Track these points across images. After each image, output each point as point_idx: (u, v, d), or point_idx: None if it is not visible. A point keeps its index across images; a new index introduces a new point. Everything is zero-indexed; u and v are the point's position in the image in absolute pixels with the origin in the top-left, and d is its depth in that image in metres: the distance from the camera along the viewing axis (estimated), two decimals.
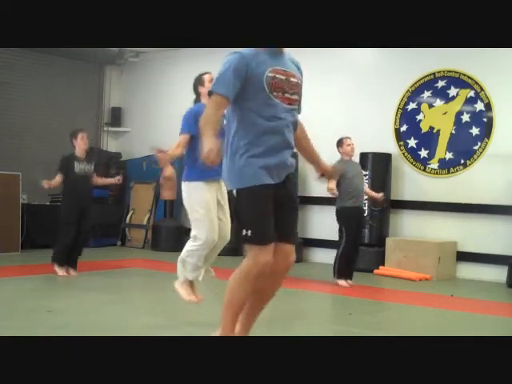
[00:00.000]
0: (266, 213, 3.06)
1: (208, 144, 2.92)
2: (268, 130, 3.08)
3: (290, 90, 3.14)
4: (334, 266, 7.57)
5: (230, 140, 3.16)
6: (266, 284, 3.31)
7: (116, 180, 8.40)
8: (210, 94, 3.13)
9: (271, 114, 3.08)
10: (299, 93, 3.24)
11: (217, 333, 3.40)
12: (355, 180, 7.47)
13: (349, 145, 7.57)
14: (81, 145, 7.78)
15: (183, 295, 5.03)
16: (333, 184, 7.00)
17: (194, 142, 4.81)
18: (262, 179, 3.06)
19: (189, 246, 5.01)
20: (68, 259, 7.73)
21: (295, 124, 3.25)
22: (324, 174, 3.63)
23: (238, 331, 3.34)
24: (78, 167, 7.73)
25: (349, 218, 7.39)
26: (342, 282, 7.45)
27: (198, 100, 5.32)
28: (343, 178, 7.26)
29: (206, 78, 5.11)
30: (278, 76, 3.10)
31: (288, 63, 3.23)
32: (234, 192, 3.10)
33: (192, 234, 5.02)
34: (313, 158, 3.66)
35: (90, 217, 7.97)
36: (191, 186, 4.98)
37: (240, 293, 3.20)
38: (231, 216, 3.21)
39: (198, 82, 5.29)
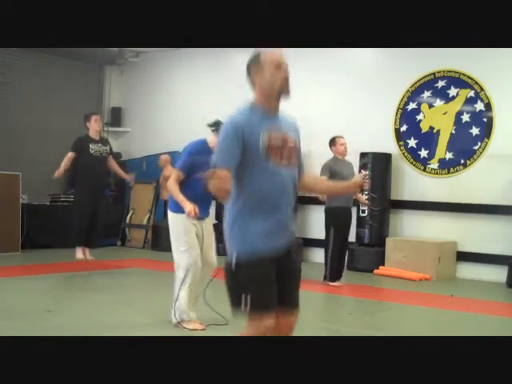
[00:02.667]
0: (268, 281, 2.98)
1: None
2: (267, 195, 2.99)
3: (286, 153, 3.05)
4: (325, 268, 7.56)
5: (229, 206, 3.07)
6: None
7: (129, 178, 8.47)
8: (212, 172, 2.96)
9: (270, 180, 2.99)
10: (297, 154, 3.14)
11: None
12: (347, 180, 7.43)
13: (342, 144, 7.55)
14: (95, 127, 7.88)
15: (189, 328, 5.02)
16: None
17: (186, 179, 4.93)
18: (263, 251, 2.99)
19: (177, 281, 5.08)
20: (85, 241, 7.83)
21: (295, 187, 3.16)
22: (358, 186, 3.57)
23: None
24: (93, 148, 7.79)
25: (337, 217, 7.39)
26: (334, 283, 7.46)
27: None
28: (335, 177, 7.27)
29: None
30: (273, 141, 3.01)
31: (283, 124, 3.12)
32: (234, 260, 3.00)
33: (176, 263, 5.11)
34: (334, 187, 3.80)
35: (104, 198, 8.05)
36: (178, 217, 5.08)
37: None
38: (226, 286, 3.11)
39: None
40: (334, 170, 7.31)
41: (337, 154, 7.55)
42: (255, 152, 2.97)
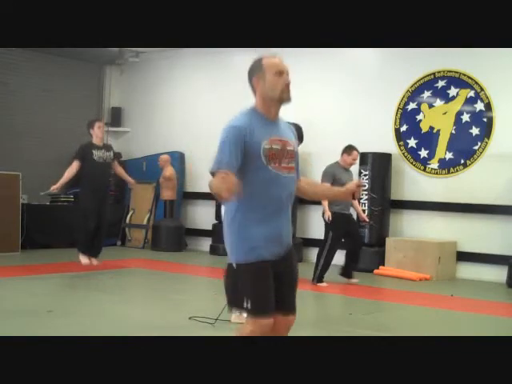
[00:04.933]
0: (266, 286, 3.02)
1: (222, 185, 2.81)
2: (266, 200, 3.02)
3: (286, 159, 3.08)
4: (314, 269, 7.58)
5: (228, 212, 3.09)
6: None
7: (131, 182, 8.55)
8: (213, 174, 2.95)
9: (269, 185, 3.02)
10: (295, 160, 3.17)
11: None
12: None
13: (354, 159, 7.60)
14: (98, 133, 7.95)
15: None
16: (328, 213, 7.29)
17: None
18: (262, 255, 3.02)
19: None
20: (90, 247, 7.86)
21: (293, 193, 3.19)
22: (352, 192, 3.57)
23: None
24: (97, 155, 7.83)
25: (336, 223, 7.39)
26: (322, 284, 7.49)
27: None
28: (336, 182, 7.29)
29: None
30: (274, 146, 3.04)
31: (282, 130, 3.15)
32: (234, 265, 3.04)
33: None
34: (329, 191, 3.90)
35: (108, 204, 8.09)
36: None
37: None
38: (226, 285, 3.16)
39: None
40: (336, 177, 7.35)
41: (343, 163, 7.55)
42: (256, 156, 2.99)
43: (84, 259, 7.88)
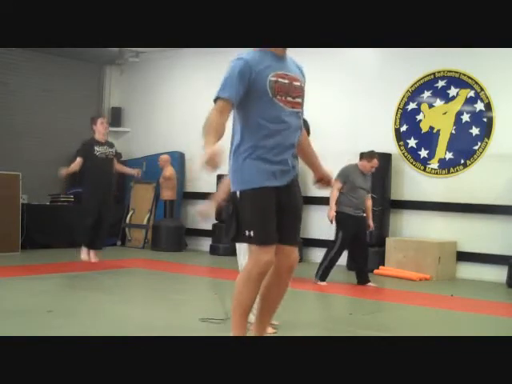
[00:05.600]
0: (269, 214, 3.08)
1: (209, 149, 2.92)
2: (271, 132, 3.10)
3: (292, 94, 3.14)
4: (319, 266, 7.59)
5: (234, 143, 3.18)
6: (272, 288, 3.33)
7: (135, 172, 8.56)
8: (215, 100, 3.13)
9: (274, 117, 3.09)
10: (302, 96, 3.23)
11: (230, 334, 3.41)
12: (361, 192, 7.49)
13: (373, 166, 7.60)
14: (100, 129, 8.02)
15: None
16: (332, 212, 7.31)
17: None
18: (265, 181, 3.08)
19: None
20: (91, 243, 7.89)
21: (299, 127, 3.24)
22: (322, 179, 3.61)
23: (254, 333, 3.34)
24: (99, 151, 7.86)
25: (346, 223, 7.40)
26: (322, 283, 7.49)
27: None
28: (349, 185, 7.28)
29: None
30: (280, 80, 3.11)
31: (291, 67, 3.23)
32: (238, 193, 3.11)
33: None
34: (313, 164, 3.67)
35: (111, 199, 8.14)
36: None
37: (245, 293, 3.23)
38: (230, 216, 3.20)
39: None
40: (350, 178, 7.37)
41: (362, 168, 7.56)
42: (262, 90, 3.08)
43: (84, 254, 7.90)
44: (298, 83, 3.20)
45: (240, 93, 3.06)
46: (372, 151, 7.71)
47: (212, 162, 2.89)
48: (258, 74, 3.08)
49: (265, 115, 3.09)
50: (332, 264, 7.55)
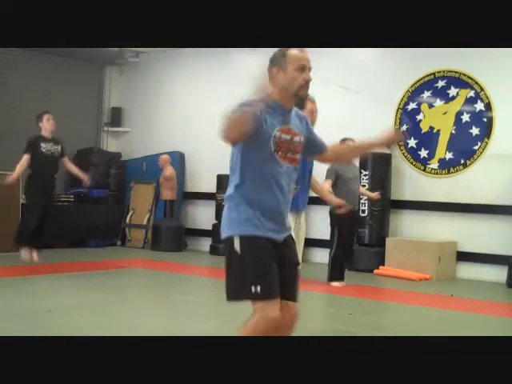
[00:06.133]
0: (272, 267, 2.95)
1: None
2: (269, 187, 3.02)
3: (291, 150, 3.08)
4: (328, 268, 7.60)
5: (233, 180, 3.08)
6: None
7: (85, 178, 8.27)
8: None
9: (273, 172, 3.01)
10: (300, 151, 3.17)
11: None
12: (351, 183, 7.48)
13: None
14: (47, 126, 7.89)
15: None
16: (328, 184, 7.24)
17: None
18: (265, 232, 2.99)
19: None
20: (32, 242, 7.77)
21: (293, 183, 3.19)
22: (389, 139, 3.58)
23: None
24: (45, 147, 7.78)
25: (342, 220, 7.39)
26: (335, 284, 7.48)
27: None
28: (340, 179, 7.28)
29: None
30: (283, 136, 3.05)
31: (293, 120, 3.15)
32: (236, 240, 2.95)
33: None
34: (364, 147, 4.01)
35: (52, 198, 8.02)
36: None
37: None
38: (226, 267, 3.03)
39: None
40: (339, 173, 7.36)
41: None
42: (265, 143, 3.00)
43: (25, 254, 7.76)
44: (298, 138, 3.14)
45: (251, 128, 2.94)
46: (342, 138, 7.67)
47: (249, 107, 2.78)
48: (264, 127, 2.99)
49: (264, 168, 2.99)
50: (337, 262, 7.53)
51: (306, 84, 3.06)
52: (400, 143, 9.34)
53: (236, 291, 2.99)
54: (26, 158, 7.77)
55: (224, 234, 3.06)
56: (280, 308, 2.97)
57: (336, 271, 7.52)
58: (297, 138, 3.11)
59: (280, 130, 3.03)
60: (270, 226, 3.03)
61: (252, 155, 3.00)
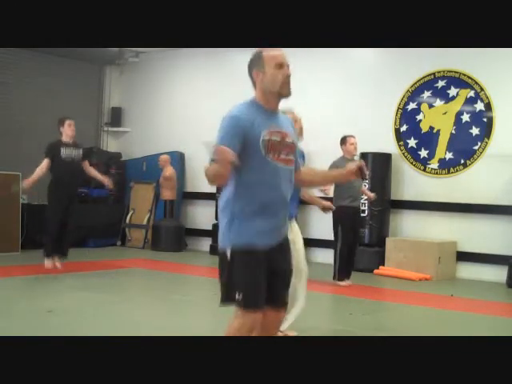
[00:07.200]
0: (259, 279, 2.99)
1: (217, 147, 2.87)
2: (264, 191, 3.01)
3: (285, 151, 3.07)
4: (334, 267, 7.63)
5: (226, 194, 3.08)
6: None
7: (106, 181, 8.29)
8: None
9: (267, 176, 3.01)
10: (294, 153, 3.16)
11: None
12: (355, 180, 7.47)
13: (352, 144, 7.58)
14: (68, 131, 7.83)
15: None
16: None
17: None
18: (257, 243, 2.99)
19: None
20: (55, 252, 7.74)
21: (292, 181, 3.18)
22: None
23: None
24: (65, 153, 7.75)
25: (345, 217, 7.40)
26: (342, 283, 7.49)
27: None
28: None
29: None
30: (273, 138, 3.03)
31: (282, 122, 3.14)
32: (228, 251, 3.00)
33: None
34: (329, 177, 3.95)
35: (76, 204, 7.99)
36: None
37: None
38: (220, 275, 3.08)
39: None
40: (338, 168, 7.35)
41: (346, 154, 7.56)
42: (254, 147, 2.99)
43: (48, 263, 7.71)
44: (290, 140, 3.13)
45: (237, 149, 2.94)
46: (343, 136, 7.68)
47: (223, 155, 2.80)
48: (251, 131, 2.97)
49: (257, 174, 2.99)
50: (343, 261, 7.53)
51: (287, 79, 3.05)
52: (400, 143, 9.35)
53: (225, 297, 3.06)
54: (46, 162, 7.72)
55: (219, 244, 3.12)
56: (266, 314, 3.02)
57: (343, 269, 7.53)
58: (288, 139, 3.10)
59: (268, 132, 3.02)
60: (265, 230, 3.03)
61: (244, 162, 2.99)
